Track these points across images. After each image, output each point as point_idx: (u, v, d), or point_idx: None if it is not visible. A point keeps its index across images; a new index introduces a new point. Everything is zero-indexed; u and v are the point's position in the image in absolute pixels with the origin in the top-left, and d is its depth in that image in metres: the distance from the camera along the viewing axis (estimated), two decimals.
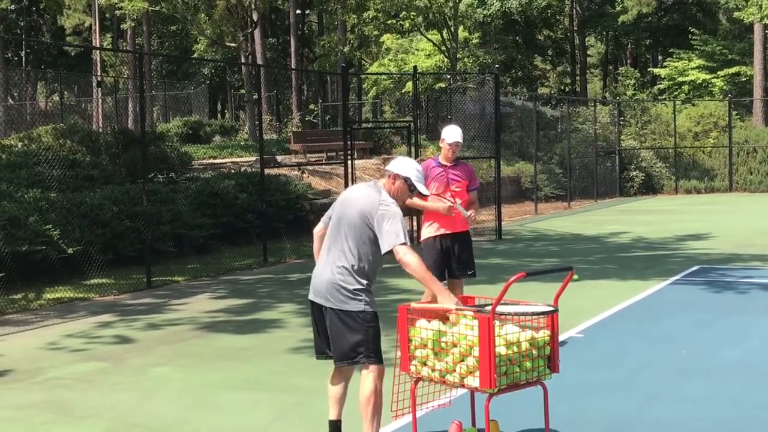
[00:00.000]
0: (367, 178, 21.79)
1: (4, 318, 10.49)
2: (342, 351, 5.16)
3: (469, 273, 7.87)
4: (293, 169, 20.82)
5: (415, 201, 7.36)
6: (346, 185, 17.50)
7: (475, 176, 7.99)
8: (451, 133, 7.77)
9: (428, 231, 7.86)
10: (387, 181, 5.34)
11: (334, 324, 5.19)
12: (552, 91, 51.40)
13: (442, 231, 7.79)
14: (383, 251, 5.07)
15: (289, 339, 8.86)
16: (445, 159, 7.84)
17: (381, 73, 33.64)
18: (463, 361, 4.41)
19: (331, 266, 5.29)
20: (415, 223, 17.57)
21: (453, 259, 7.81)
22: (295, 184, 18.51)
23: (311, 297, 5.46)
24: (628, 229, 19.18)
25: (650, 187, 31.92)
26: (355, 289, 5.13)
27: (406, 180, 5.29)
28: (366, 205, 5.16)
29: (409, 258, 4.95)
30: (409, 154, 18.56)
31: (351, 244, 5.19)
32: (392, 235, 5.03)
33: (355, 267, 5.15)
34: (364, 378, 5.11)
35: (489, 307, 4.36)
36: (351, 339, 5.10)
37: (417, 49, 34.21)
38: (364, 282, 5.15)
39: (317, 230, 5.70)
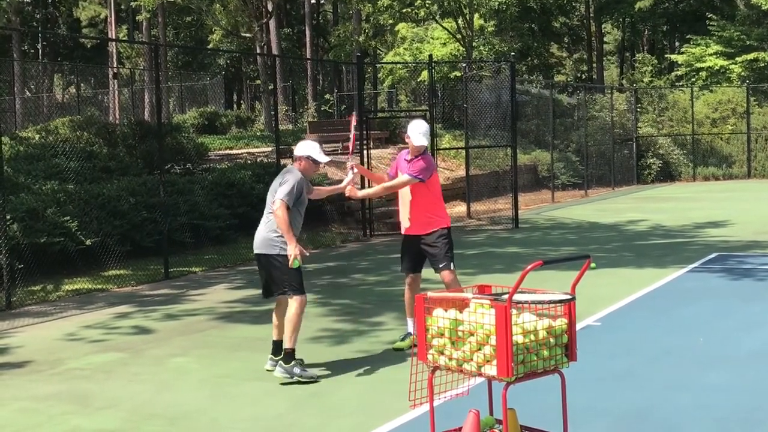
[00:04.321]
0: (382, 167, 21.77)
1: (23, 309, 10.57)
2: (276, 286, 6.99)
3: (440, 267, 7.70)
4: None
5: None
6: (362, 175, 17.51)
7: (418, 167, 7.51)
8: (417, 136, 7.52)
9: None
10: (296, 163, 7.08)
11: (271, 267, 6.97)
12: (568, 79, 51.17)
13: (402, 229, 7.88)
14: (274, 202, 6.82)
15: (305, 329, 8.86)
16: (412, 154, 7.67)
17: (396, 63, 33.58)
18: (480, 350, 4.40)
19: (264, 226, 6.99)
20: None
21: (425, 254, 7.80)
22: None
23: (255, 251, 7.11)
24: (645, 217, 19.10)
25: (668, 175, 31.75)
26: (279, 240, 6.86)
27: (308, 158, 7.05)
28: (277, 179, 7.02)
29: (278, 211, 6.76)
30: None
31: (270, 207, 6.95)
32: (280, 192, 6.81)
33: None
34: (290, 304, 6.88)
35: (506, 296, 4.35)
36: (281, 276, 6.90)
37: (432, 38, 34.09)
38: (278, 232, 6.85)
39: None
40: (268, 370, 7.17)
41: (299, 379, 6.75)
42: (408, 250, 7.86)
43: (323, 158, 7.08)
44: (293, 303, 6.88)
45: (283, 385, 6.79)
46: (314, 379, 6.82)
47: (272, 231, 6.93)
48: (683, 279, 11.25)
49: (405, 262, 7.91)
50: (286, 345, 6.81)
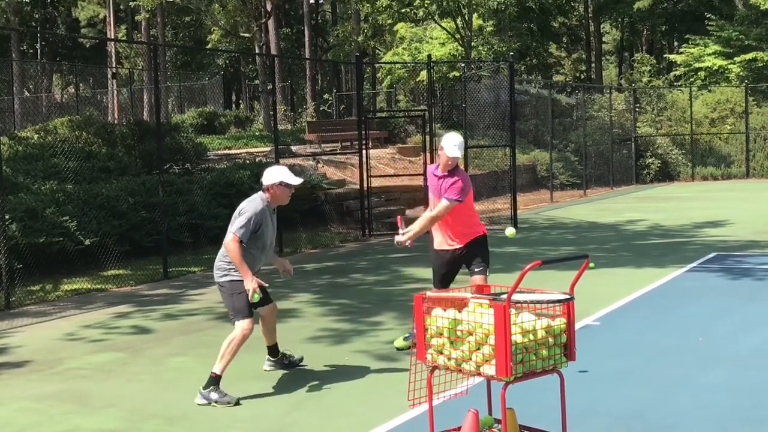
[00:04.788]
0: (381, 167, 21.79)
1: (22, 309, 10.57)
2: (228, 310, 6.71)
3: (476, 270, 7.54)
4: (308, 159, 20.84)
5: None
6: (361, 175, 17.52)
7: (455, 189, 7.28)
8: (451, 147, 7.26)
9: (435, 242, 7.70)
10: (266, 193, 6.63)
11: (220, 292, 6.76)
12: (567, 79, 51.19)
13: (438, 246, 7.61)
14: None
15: (305, 329, 8.89)
16: (443, 168, 7.43)
17: (395, 62, 33.58)
18: (479, 349, 4.40)
19: (219, 252, 6.68)
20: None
21: (465, 262, 7.62)
22: (310, 174, 18.53)
23: None
24: (644, 217, 19.10)
25: (666, 174, 31.76)
26: (225, 267, 6.58)
27: (280, 184, 6.59)
28: (239, 207, 6.63)
29: (229, 244, 6.43)
30: (423, 143, 18.54)
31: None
32: (235, 225, 6.46)
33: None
34: (234, 329, 6.55)
35: (505, 296, 4.35)
36: (225, 302, 6.69)
37: (431, 38, 34.09)
38: (227, 260, 6.56)
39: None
40: (266, 371, 7.19)
41: (215, 404, 6.32)
42: (439, 265, 7.63)
43: (296, 180, 6.67)
44: (237, 329, 6.53)
45: (282, 385, 6.80)
46: (233, 403, 6.33)
47: (221, 259, 6.65)
48: (682, 279, 11.26)
49: (437, 277, 7.66)
50: (214, 369, 6.44)
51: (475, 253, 7.55)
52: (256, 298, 6.43)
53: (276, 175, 6.64)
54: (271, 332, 7.10)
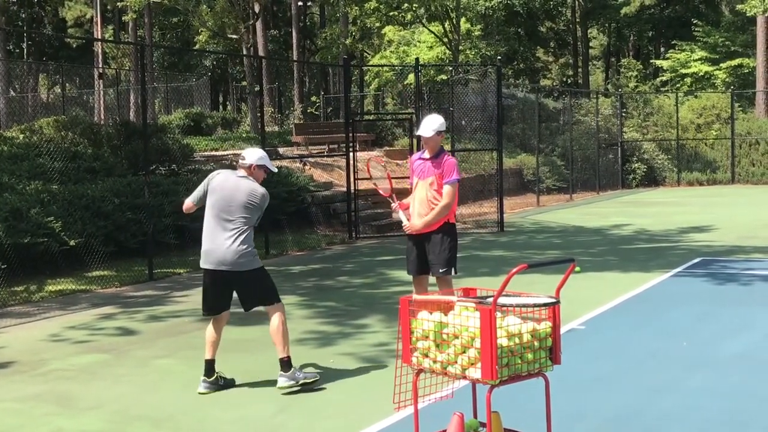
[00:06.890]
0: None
1: (6, 310, 10.51)
2: (254, 300, 6.86)
3: (441, 271, 7.67)
4: (295, 161, 20.81)
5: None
6: (348, 177, 17.51)
7: (452, 169, 7.61)
8: (421, 127, 7.68)
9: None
10: (248, 170, 6.89)
11: (252, 281, 6.76)
12: (554, 83, 51.34)
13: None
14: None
15: (291, 331, 8.81)
16: (427, 152, 7.76)
17: (383, 65, 33.57)
18: (464, 352, 4.40)
19: (233, 242, 6.68)
20: None
21: (427, 257, 7.80)
22: (297, 176, 18.51)
23: (213, 267, 6.77)
24: (630, 221, 19.17)
25: (652, 179, 31.90)
26: (254, 253, 6.76)
27: (263, 167, 6.95)
28: (248, 192, 6.78)
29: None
30: (411, 147, 18.55)
31: (242, 221, 6.72)
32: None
33: (248, 236, 6.75)
34: (275, 314, 6.77)
35: (491, 299, 4.35)
36: (264, 287, 6.80)
37: (419, 41, 34.11)
38: (253, 246, 6.79)
39: (187, 206, 7.23)
40: (201, 393, 6.70)
41: (305, 381, 6.67)
42: (421, 248, 7.92)
43: (275, 169, 7.18)
44: (278, 311, 6.80)
45: (268, 387, 6.78)
46: (317, 377, 6.80)
47: (245, 245, 6.70)
48: (667, 283, 11.30)
49: (415, 262, 8.00)
50: (283, 354, 6.70)
51: (431, 251, 7.72)
52: None
53: (262, 158, 6.98)
54: (218, 341, 6.91)
